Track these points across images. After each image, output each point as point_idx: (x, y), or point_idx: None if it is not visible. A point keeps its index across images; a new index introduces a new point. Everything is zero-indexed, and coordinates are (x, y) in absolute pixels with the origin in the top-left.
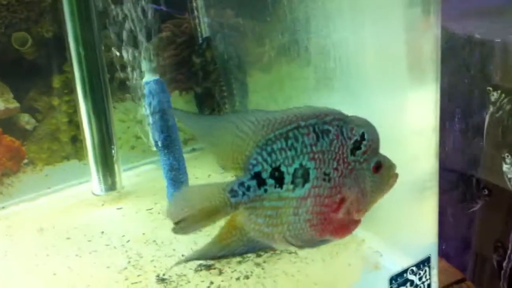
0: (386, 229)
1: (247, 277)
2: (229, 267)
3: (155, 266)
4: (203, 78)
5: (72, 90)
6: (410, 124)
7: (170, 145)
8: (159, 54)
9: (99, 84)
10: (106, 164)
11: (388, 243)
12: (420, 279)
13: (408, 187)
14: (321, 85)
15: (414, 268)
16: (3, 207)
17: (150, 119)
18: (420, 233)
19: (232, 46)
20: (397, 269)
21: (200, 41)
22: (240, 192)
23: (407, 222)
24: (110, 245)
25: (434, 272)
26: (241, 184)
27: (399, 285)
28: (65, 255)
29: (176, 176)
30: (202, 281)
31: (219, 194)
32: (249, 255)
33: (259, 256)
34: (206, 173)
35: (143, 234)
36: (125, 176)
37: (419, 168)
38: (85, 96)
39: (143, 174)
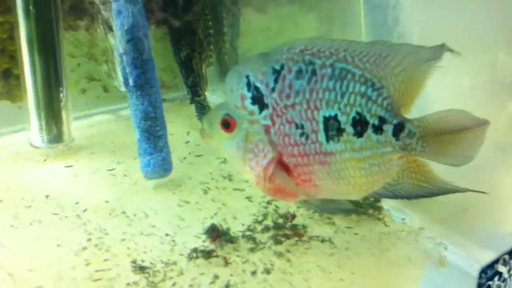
0: (451, 211)
1: (267, 271)
2: (238, 256)
3: (128, 248)
4: (184, 8)
5: (9, 8)
6: None
7: (145, 86)
8: None
9: (47, 2)
10: (51, 109)
11: (454, 231)
12: (509, 271)
13: (490, 154)
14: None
15: (506, 257)
16: None
17: (120, 49)
18: (505, 214)
19: None
20: (471, 264)
21: None
22: None
23: (485, 201)
24: (60, 215)
25: None
26: None
27: (488, 279)
28: None
29: (152, 128)
30: (202, 274)
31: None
32: (264, 241)
33: (278, 243)
34: (183, 130)
35: (106, 202)
36: (74, 127)
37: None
38: (26, 16)
39: (97, 125)
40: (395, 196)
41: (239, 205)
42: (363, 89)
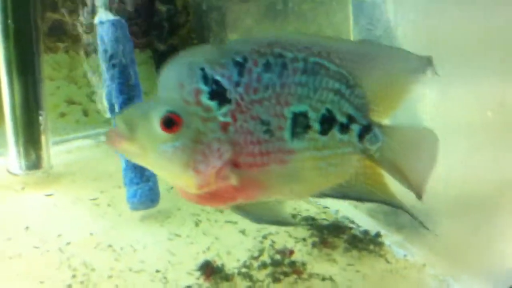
0: (453, 247)
1: None
2: None
3: (116, 286)
4: (169, 32)
5: None
6: None
7: None
8: None
9: (27, 21)
10: (30, 133)
11: (457, 267)
12: None
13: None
14: None
15: None
16: None
17: (105, 74)
18: (509, 250)
19: None
20: None
21: None
22: None
23: (488, 236)
24: (41, 248)
25: None
26: None
27: None
28: None
29: None
30: None
31: None
32: (261, 278)
33: (277, 281)
34: None
35: (91, 234)
36: (53, 152)
37: None
38: (5, 37)
39: (77, 151)
40: (343, 197)
41: (232, 239)
42: (336, 85)
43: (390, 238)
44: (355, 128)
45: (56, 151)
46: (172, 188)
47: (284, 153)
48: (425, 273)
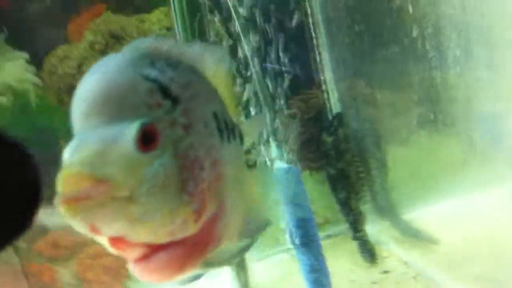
0: None
1: None
2: None
3: None
4: (336, 158)
5: None
6: None
7: (309, 243)
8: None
9: None
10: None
11: None
12: None
13: None
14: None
15: None
16: None
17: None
18: None
19: (368, 121)
20: None
21: (331, 118)
22: None
23: None
24: None
25: None
26: None
27: None
28: None
29: (319, 279)
30: None
31: None
32: None
33: None
34: (346, 266)
35: None
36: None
37: None
38: None
39: (274, 268)
40: None
41: None
42: None
43: None
44: None
45: (258, 268)
46: None
47: None
48: None
